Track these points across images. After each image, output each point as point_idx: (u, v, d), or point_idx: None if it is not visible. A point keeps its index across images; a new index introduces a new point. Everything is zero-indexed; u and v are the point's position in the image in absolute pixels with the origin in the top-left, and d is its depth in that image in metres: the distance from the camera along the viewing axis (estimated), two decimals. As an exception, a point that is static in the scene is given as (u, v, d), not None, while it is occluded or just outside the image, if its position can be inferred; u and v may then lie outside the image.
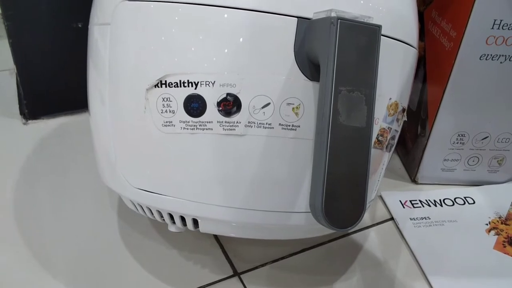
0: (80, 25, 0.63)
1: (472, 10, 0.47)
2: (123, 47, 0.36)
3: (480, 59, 0.50)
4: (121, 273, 0.46)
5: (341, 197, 0.31)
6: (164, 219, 0.39)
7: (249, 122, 0.34)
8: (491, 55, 0.49)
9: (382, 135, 0.38)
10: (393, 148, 0.43)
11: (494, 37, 0.48)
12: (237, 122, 0.34)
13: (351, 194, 0.31)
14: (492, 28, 0.48)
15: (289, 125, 0.34)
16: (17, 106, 0.66)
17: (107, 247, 0.49)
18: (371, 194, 0.42)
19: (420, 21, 0.45)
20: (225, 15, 0.33)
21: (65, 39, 0.63)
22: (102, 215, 0.52)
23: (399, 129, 0.42)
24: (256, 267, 0.47)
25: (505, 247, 0.50)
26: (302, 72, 0.34)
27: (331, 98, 0.30)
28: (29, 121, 0.66)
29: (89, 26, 0.41)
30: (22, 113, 0.66)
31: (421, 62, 0.56)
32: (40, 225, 0.51)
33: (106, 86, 0.38)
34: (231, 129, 0.34)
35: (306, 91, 0.34)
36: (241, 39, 0.33)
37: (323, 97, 0.31)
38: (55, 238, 0.49)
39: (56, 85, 0.65)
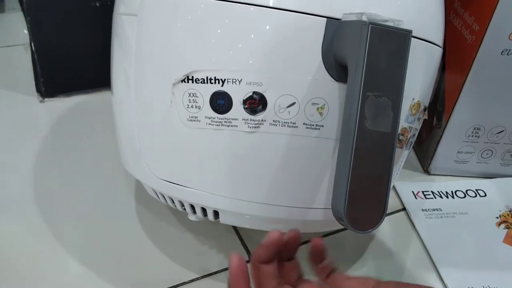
0: (98, 4, 0.62)
1: (497, 5, 0.46)
2: (150, 40, 0.36)
3: (501, 54, 0.49)
4: (136, 253, 0.47)
5: (363, 201, 0.31)
6: (185, 208, 0.40)
7: (273, 121, 0.34)
8: (513, 50, 0.49)
9: (403, 134, 0.39)
10: (412, 145, 0.43)
11: (518, 32, 0.48)
12: (262, 120, 0.34)
13: (373, 198, 0.31)
14: (516, 23, 0.47)
15: (313, 125, 0.35)
16: (33, 83, 0.66)
17: (122, 227, 0.50)
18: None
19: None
20: (254, 13, 0.33)
21: (83, 17, 0.63)
22: (119, 195, 0.53)
23: (419, 127, 0.42)
24: (271, 254, 0.48)
25: (514, 241, 0.51)
26: (329, 73, 0.34)
27: (358, 103, 0.30)
28: (46, 99, 0.66)
29: (113, 14, 0.41)
30: (38, 91, 0.66)
31: (441, 52, 0.56)
32: (56, 203, 0.52)
33: (132, 74, 0.38)
34: (256, 127, 0.34)
35: (332, 92, 0.34)
36: (269, 38, 0.33)
37: (350, 101, 0.31)
38: (71, 217, 0.50)
39: (74, 64, 0.65)
